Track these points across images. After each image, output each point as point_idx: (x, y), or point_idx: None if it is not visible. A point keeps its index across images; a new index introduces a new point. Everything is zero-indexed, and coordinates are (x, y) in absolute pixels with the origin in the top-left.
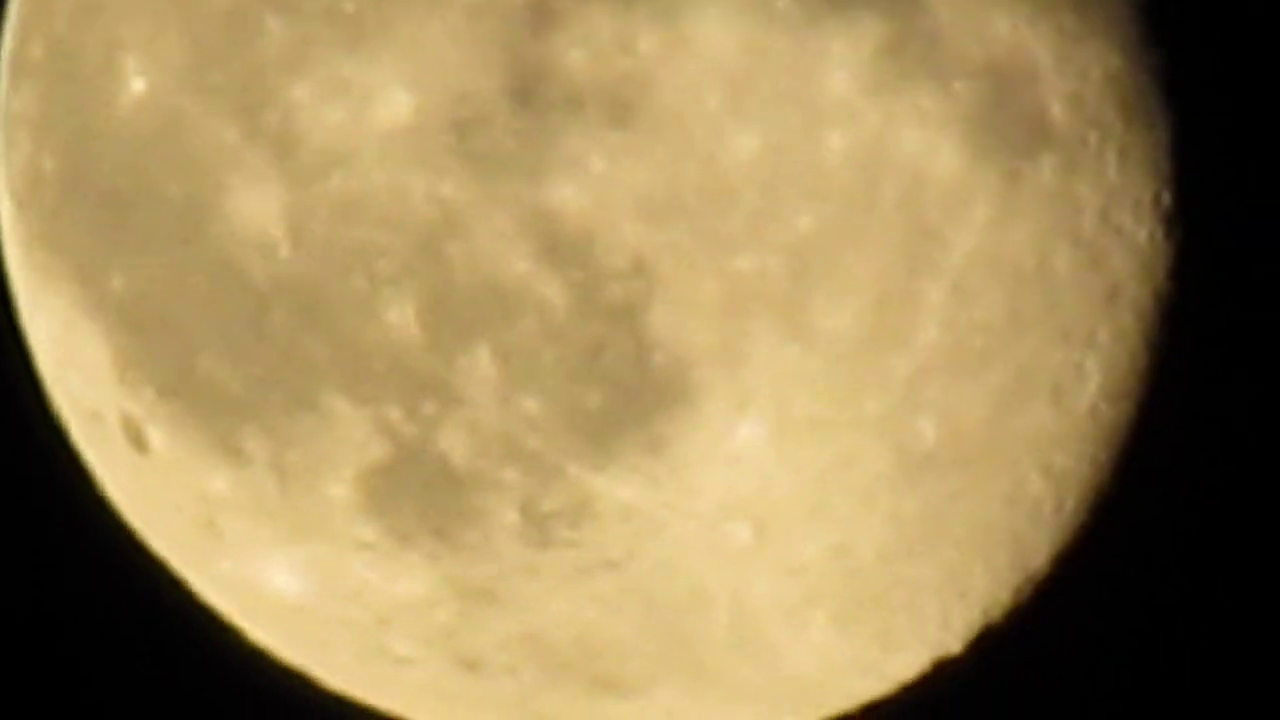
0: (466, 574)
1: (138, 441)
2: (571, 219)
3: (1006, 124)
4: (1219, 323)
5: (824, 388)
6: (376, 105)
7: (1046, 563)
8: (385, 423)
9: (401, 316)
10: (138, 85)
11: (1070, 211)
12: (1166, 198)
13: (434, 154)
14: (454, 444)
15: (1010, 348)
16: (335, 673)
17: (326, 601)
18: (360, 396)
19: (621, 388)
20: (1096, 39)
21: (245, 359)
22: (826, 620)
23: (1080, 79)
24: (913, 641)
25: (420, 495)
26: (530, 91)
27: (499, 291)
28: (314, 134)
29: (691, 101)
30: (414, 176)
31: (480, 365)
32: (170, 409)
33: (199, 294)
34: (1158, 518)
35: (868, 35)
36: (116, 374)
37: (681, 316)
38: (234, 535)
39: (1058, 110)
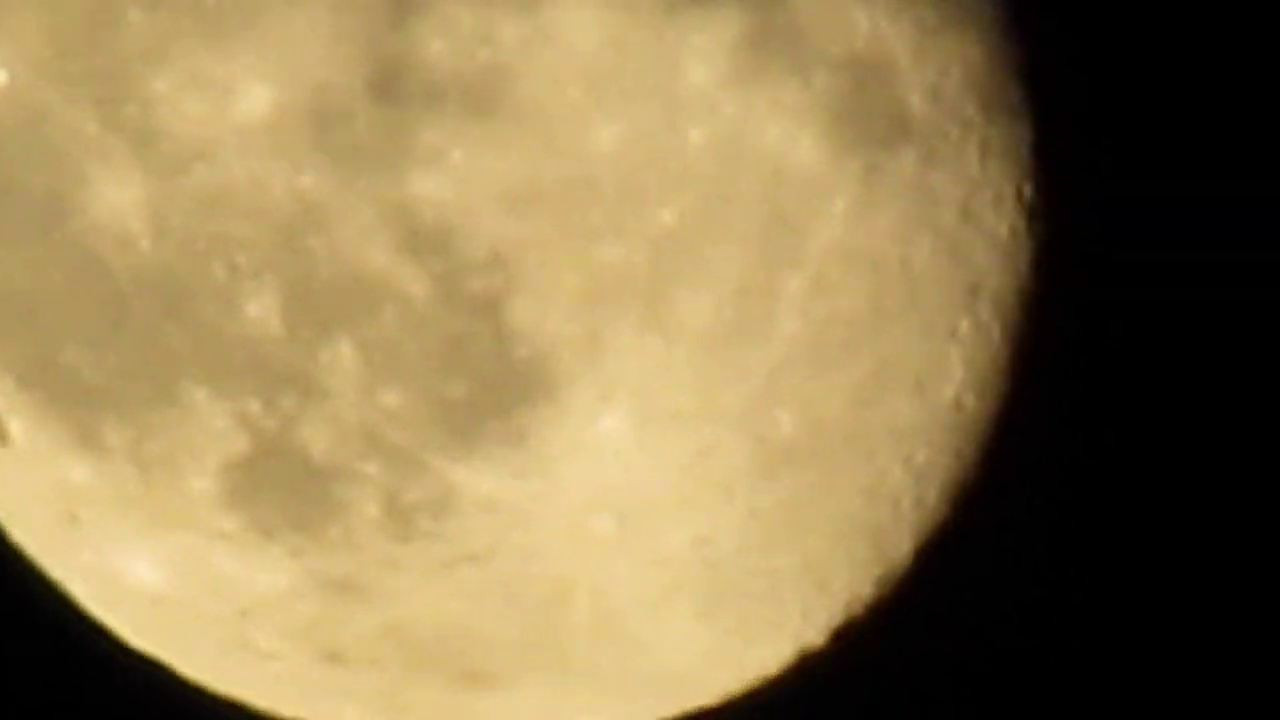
0: (329, 567)
1: None
2: (432, 211)
3: (867, 117)
4: (1081, 316)
5: (685, 380)
6: (237, 98)
7: (908, 556)
8: (246, 415)
9: (262, 309)
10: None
11: (931, 204)
12: (1028, 191)
13: (295, 147)
14: (315, 437)
15: (871, 340)
16: (197, 665)
17: (188, 593)
18: (221, 389)
19: (483, 380)
20: (956, 32)
21: (106, 350)
22: (689, 612)
23: (940, 72)
24: (774, 634)
25: (281, 488)
26: (390, 84)
27: (360, 284)
28: (175, 126)
29: (553, 93)
30: (275, 169)
31: (341, 358)
32: (31, 399)
33: (60, 286)
34: (1020, 511)
35: (728, 28)
36: None
37: (543, 308)
38: (95, 526)
39: (918, 103)
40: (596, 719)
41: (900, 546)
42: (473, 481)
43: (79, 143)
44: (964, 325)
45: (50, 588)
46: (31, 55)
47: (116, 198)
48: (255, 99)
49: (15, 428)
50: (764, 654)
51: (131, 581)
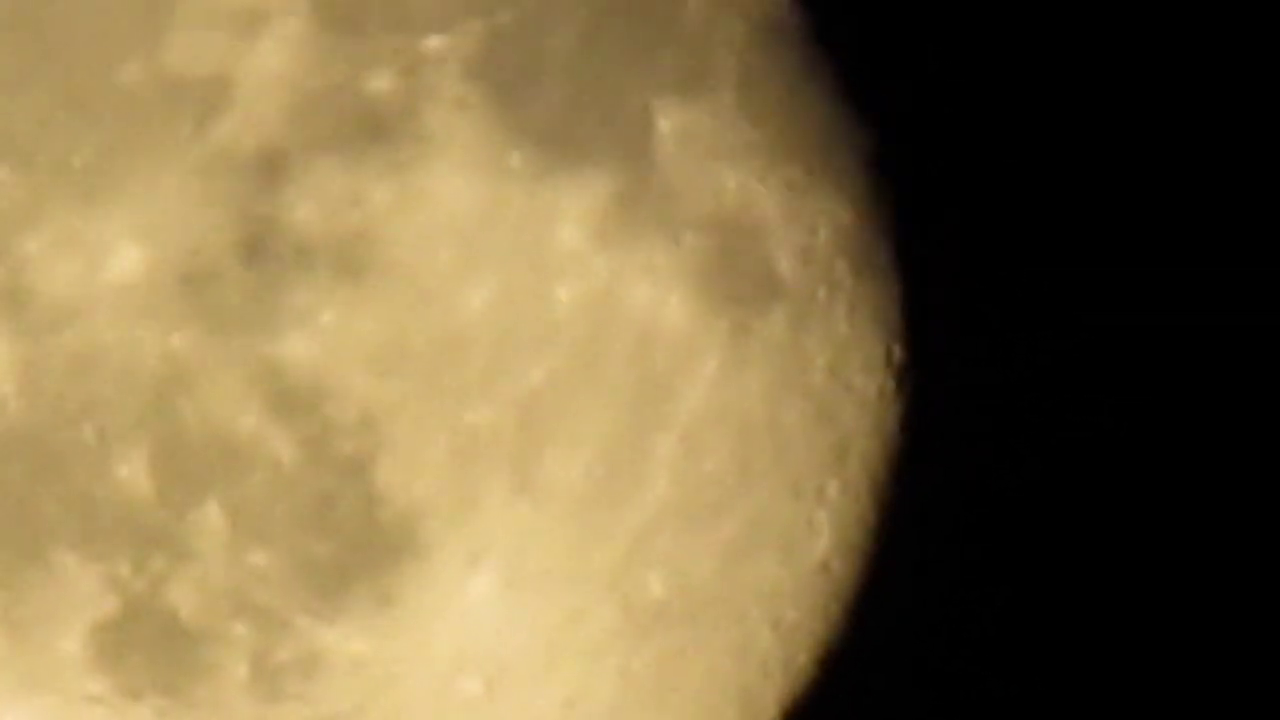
0: None
1: None
2: (302, 373)
3: (736, 277)
4: (949, 476)
5: (555, 541)
6: (108, 259)
7: (776, 718)
8: (115, 577)
9: (132, 471)
10: None
11: (800, 365)
12: (897, 352)
13: (165, 308)
14: (184, 598)
15: (740, 501)
16: None
17: None
18: (90, 551)
19: (352, 540)
20: (824, 194)
21: None
22: None
23: (809, 233)
24: None
25: (150, 650)
26: (260, 246)
27: (229, 445)
28: (46, 287)
29: (423, 254)
30: (145, 330)
31: (210, 519)
32: None
33: None
34: (887, 674)
35: (598, 189)
36: None
37: (412, 470)
38: None
39: (787, 264)
40: None
41: (767, 709)
42: (341, 642)
43: None
44: (832, 486)
45: None
46: None
47: None
48: (125, 260)
49: None
50: None
51: None
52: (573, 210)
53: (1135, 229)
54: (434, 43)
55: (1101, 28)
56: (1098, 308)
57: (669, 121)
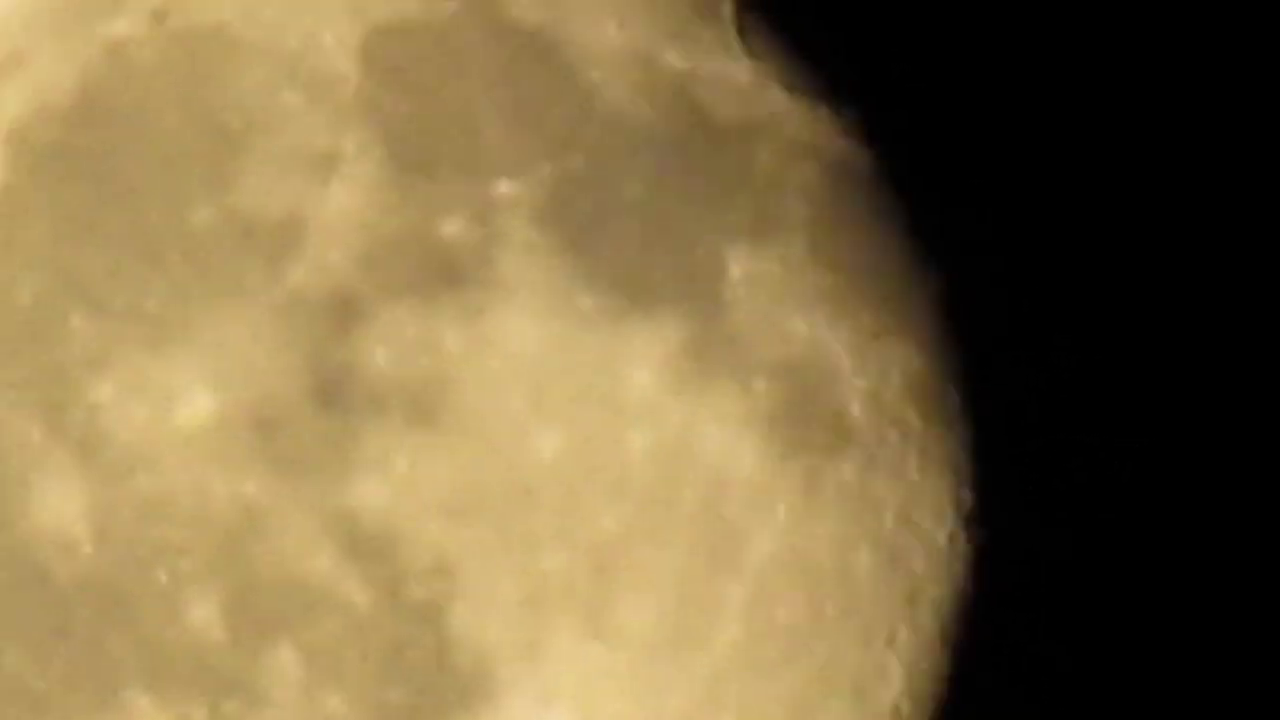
0: None
1: None
2: (375, 518)
3: (807, 423)
4: (1020, 622)
5: (626, 686)
6: (180, 404)
7: None
8: None
9: (204, 615)
10: None
11: (871, 511)
12: (967, 497)
13: (237, 454)
14: None
15: (811, 647)
16: None
17: None
18: (163, 695)
19: (424, 685)
20: (895, 338)
21: (48, 656)
22: None
23: (879, 378)
24: None
25: None
26: (334, 391)
27: (302, 590)
28: (118, 433)
29: (495, 400)
30: (217, 476)
31: (283, 663)
32: None
33: (1, 591)
34: None
35: (669, 334)
36: None
37: (484, 615)
38: None
39: (858, 409)
40: None
41: None
42: None
43: (22, 448)
44: (903, 633)
45: None
46: None
47: (59, 504)
48: (197, 405)
49: None
50: None
51: None
52: (644, 355)
53: (1224, 379)
54: (505, 187)
55: (1182, 161)
56: (1170, 452)
57: (740, 267)
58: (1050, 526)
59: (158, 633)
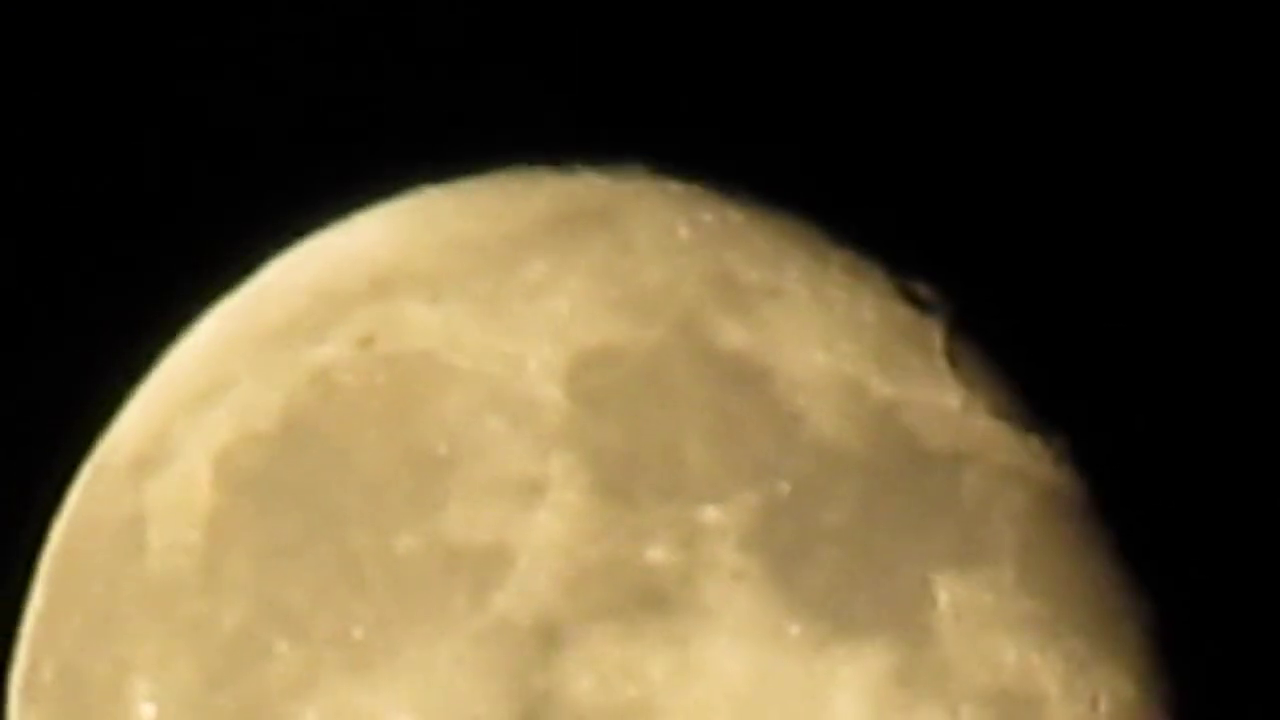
0: None
1: None
2: None
3: None
4: None
5: None
6: None
7: None
8: None
9: None
10: (146, 711)
11: None
12: None
13: None
14: None
15: None
16: None
17: None
18: None
19: None
20: (1106, 667)
21: None
22: None
23: (1089, 706)
24: None
25: None
26: (537, 719)
27: None
28: None
29: None
30: None
31: None
32: None
33: None
34: None
35: (875, 662)
36: None
37: None
38: None
39: None
40: None
41: None
42: None
43: None
44: None
45: None
46: (179, 687)
47: None
48: None
49: None
50: None
51: None
52: (850, 683)
53: None
54: (711, 514)
55: None
56: None
57: (948, 594)
58: None
59: None
